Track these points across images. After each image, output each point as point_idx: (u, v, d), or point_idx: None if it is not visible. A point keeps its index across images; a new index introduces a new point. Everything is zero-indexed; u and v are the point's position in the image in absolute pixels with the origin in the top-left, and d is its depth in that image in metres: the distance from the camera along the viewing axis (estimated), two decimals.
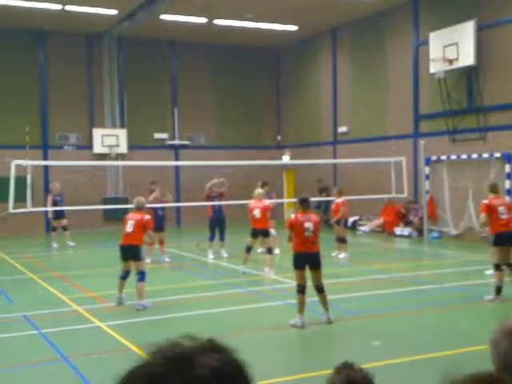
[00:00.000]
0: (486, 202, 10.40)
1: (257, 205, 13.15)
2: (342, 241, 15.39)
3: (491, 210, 10.32)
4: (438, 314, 9.58)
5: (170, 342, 1.14)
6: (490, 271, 12.07)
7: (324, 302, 8.95)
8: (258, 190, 13.59)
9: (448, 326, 8.85)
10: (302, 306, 8.80)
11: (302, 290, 8.82)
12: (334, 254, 15.36)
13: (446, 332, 8.46)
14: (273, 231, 16.41)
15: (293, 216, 9.11)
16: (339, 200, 15.52)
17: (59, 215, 18.49)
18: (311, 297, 10.30)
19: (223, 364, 1.10)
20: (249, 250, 13.18)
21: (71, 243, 18.38)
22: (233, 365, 1.12)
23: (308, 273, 8.93)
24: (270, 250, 13.06)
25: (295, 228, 8.87)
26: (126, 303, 10.26)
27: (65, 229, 18.54)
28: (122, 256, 10.31)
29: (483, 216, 10.41)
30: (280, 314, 9.39)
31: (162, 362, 1.08)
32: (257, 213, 13.00)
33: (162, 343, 1.14)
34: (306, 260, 8.87)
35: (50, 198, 18.60)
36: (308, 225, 8.83)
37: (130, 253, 10.17)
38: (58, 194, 18.67)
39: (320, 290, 8.91)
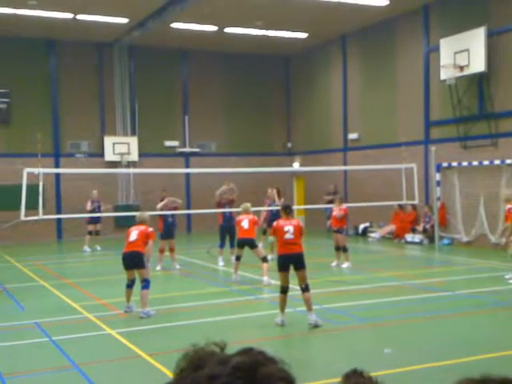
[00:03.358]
0: (510, 206, 10.61)
1: (245, 217, 13.39)
2: (344, 250, 14.88)
3: None
4: (449, 321, 9.52)
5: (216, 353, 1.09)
6: (510, 275, 12.19)
7: (307, 303, 9.09)
8: (246, 204, 13.76)
9: (459, 333, 8.78)
10: (283, 306, 9.13)
11: (283, 291, 9.14)
12: (333, 264, 14.89)
13: (457, 339, 8.40)
14: None
15: (275, 223, 9.57)
16: (342, 208, 15.00)
17: (96, 220, 19.50)
18: (321, 304, 10.30)
19: (287, 375, 1.09)
20: (238, 258, 13.33)
21: (99, 247, 19.53)
22: (291, 376, 1.11)
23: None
24: (264, 259, 12.98)
25: (277, 233, 9.27)
26: (135, 310, 10.27)
27: (97, 233, 19.73)
28: (124, 265, 10.31)
29: None
30: (290, 321, 9.36)
31: (229, 371, 1.03)
32: (245, 224, 13.19)
33: (204, 350, 1.09)
34: (289, 261, 9.13)
35: (88, 203, 19.70)
36: (288, 228, 9.16)
37: (133, 260, 10.15)
38: (96, 200, 19.82)
39: (304, 289, 9.11)
